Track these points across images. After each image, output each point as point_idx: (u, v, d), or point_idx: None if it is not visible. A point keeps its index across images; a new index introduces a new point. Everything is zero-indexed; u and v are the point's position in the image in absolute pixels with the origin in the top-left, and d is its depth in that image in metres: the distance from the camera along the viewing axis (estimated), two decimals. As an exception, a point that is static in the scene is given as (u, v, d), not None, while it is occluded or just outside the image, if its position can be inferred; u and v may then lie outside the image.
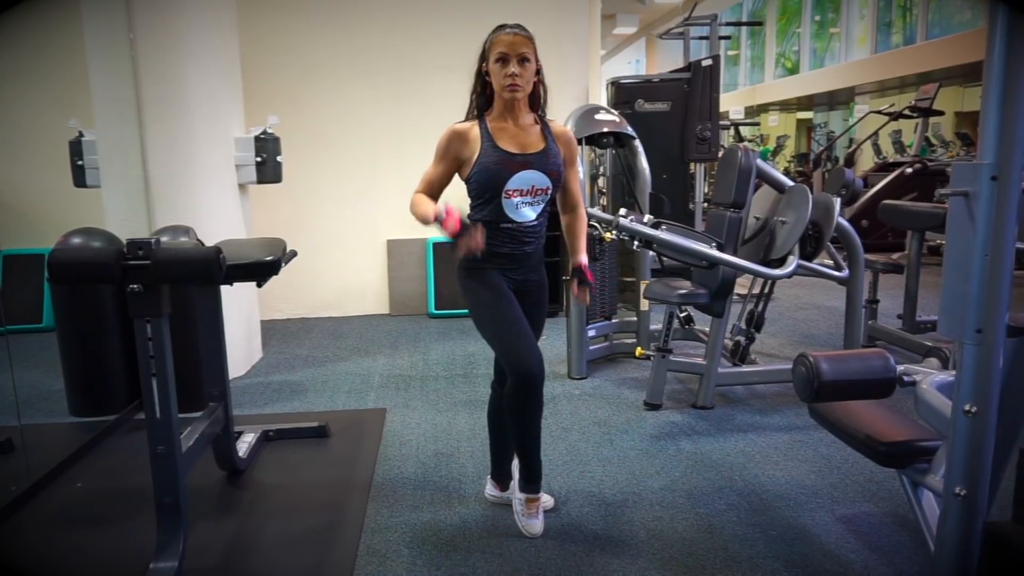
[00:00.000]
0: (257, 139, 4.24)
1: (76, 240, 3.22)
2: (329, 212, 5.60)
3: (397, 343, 4.97)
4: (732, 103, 16.79)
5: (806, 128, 19.82)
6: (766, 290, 3.96)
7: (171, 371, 2.19)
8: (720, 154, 5.19)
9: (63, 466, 3.02)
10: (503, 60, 2.22)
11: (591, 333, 4.29)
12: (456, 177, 2.38)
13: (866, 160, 12.06)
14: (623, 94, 5.85)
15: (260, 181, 4.32)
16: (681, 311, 4.18)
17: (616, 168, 4.94)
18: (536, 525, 2.47)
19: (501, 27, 2.26)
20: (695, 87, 5.77)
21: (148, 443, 2.18)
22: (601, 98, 7.62)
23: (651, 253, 4.19)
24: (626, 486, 2.82)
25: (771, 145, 15.84)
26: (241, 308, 4.28)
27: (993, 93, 1.49)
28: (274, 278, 2.65)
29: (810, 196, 3.45)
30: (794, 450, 3.12)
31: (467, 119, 2.36)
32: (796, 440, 3.22)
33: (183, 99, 3.91)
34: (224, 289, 2.77)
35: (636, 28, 16.45)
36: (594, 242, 4.28)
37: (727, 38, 10.93)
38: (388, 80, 5.56)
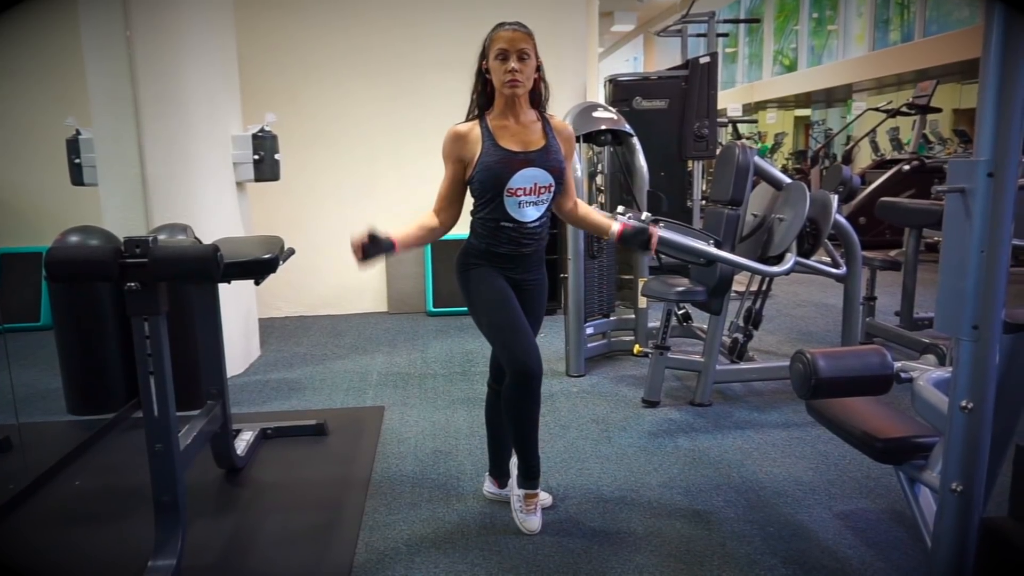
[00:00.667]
0: (255, 137, 4.23)
1: (74, 238, 3.22)
2: (327, 210, 5.59)
3: (395, 341, 4.98)
4: (730, 100, 16.79)
5: (804, 125, 19.84)
6: (764, 287, 3.96)
7: (169, 369, 2.19)
8: (718, 151, 5.19)
9: (61, 464, 3.02)
10: (503, 56, 2.22)
11: (589, 331, 4.29)
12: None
13: (864, 157, 12.06)
14: (621, 92, 5.86)
15: (258, 179, 4.32)
16: (679, 308, 4.18)
17: (614, 166, 4.94)
18: (534, 522, 2.47)
19: (501, 24, 2.26)
20: (693, 84, 5.78)
21: (146, 441, 2.18)
22: (599, 96, 7.63)
23: (649, 251, 4.19)
24: (624, 483, 2.82)
25: (769, 142, 15.82)
26: (239, 306, 4.28)
27: (989, 90, 1.50)
28: (272, 276, 2.64)
29: (808, 193, 3.45)
30: (791, 447, 3.13)
31: (467, 119, 2.35)
32: (794, 437, 3.23)
33: (181, 97, 3.91)
34: (222, 287, 2.77)
35: (634, 25, 16.47)
36: (591, 240, 4.29)
37: (725, 35, 10.92)
38: (386, 79, 5.55)
